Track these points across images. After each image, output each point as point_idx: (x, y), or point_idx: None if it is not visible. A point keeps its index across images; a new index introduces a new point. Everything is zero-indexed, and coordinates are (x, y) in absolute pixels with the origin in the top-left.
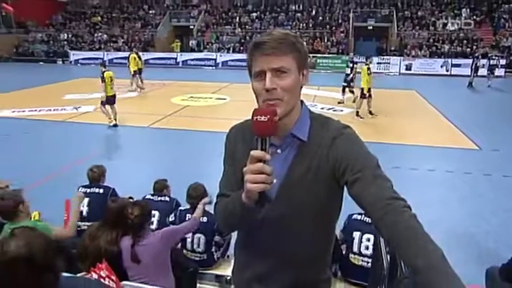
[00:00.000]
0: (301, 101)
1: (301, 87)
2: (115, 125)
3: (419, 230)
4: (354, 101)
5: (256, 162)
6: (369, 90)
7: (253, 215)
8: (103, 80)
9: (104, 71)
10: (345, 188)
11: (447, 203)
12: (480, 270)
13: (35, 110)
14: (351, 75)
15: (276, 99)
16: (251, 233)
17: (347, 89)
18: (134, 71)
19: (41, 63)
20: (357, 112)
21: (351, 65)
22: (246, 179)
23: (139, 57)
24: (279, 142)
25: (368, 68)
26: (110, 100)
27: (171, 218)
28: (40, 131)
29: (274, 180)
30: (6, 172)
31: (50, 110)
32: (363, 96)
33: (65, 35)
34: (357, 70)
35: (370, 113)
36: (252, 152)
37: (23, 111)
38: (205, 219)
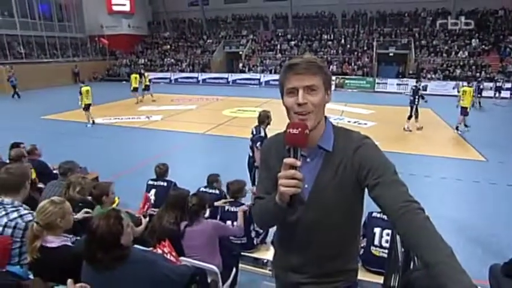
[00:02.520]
0: (325, 117)
1: (325, 104)
2: (91, 124)
3: (431, 229)
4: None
5: (288, 168)
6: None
7: (284, 215)
8: (80, 93)
9: (81, 86)
10: (366, 190)
11: (456, 207)
12: (484, 267)
13: (119, 118)
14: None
15: (307, 113)
16: (287, 230)
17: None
18: (134, 88)
19: (123, 82)
20: (457, 127)
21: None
22: (280, 184)
23: (141, 77)
24: (308, 153)
25: (474, 90)
26: (86, 107)
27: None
28: (122, 134)
29: (306, 186)
30: (97, 165)
31: (129, 118)
32: (466, 113)
33: (143, 60)
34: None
35: (457, 128)
36: (285, 160)
37: (110, 119)
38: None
